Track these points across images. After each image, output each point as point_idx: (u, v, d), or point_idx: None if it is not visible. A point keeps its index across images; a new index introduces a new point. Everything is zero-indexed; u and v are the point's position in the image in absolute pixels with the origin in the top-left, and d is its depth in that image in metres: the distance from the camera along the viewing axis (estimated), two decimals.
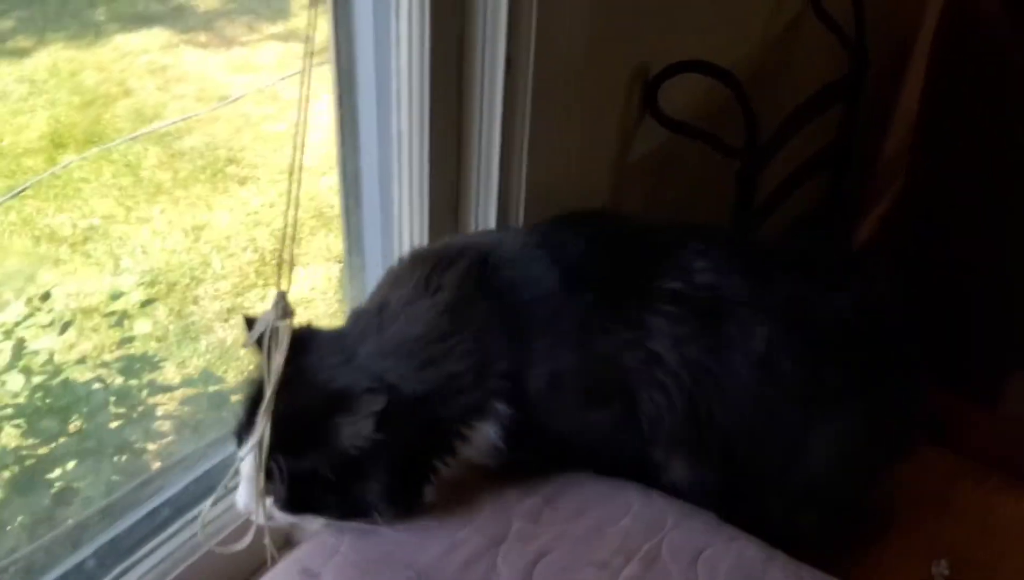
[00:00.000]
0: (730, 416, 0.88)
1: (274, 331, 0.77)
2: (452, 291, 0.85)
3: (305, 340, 0.86)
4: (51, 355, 1.74)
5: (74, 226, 2.37)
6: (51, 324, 1.75)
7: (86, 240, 2.34)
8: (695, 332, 0.86)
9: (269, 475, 0.81)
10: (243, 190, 2.59)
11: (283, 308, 0.78)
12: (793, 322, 0.89)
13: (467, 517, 0.84)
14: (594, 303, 0.85)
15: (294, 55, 3.02)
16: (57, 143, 2.57)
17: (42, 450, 1.65)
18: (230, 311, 2.23)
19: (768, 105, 1.10)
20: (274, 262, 2.41)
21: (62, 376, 1.72)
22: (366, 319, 0.87)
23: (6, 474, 1.62)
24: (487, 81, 0.82)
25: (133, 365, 1.82)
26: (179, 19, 2.93)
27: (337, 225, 2.67)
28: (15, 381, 1.64)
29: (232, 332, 2.20)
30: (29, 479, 1.62)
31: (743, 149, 1.05)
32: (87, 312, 2.04)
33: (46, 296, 1.77)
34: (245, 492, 0.84)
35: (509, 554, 0.79)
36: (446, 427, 0.83)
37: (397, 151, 0.87)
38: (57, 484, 1.62)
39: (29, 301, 1.75)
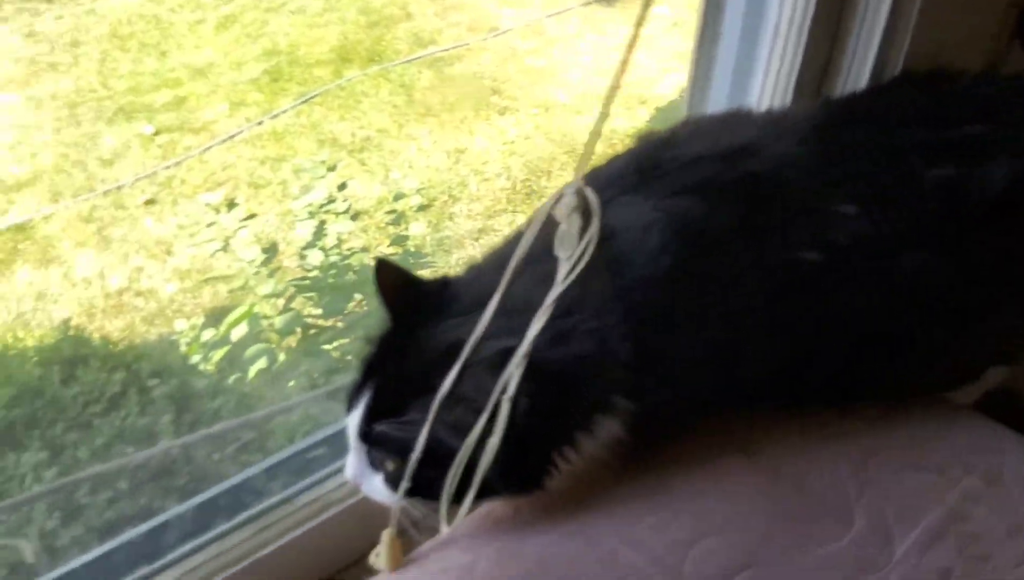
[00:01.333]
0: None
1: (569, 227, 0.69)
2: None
3: (410, 294, 0.76)
4: (339, 240, 1.90)
5: (353, 135, 2.55)
6: (345, 212, 1.90)
7: (362, 149, 2.53)
8: (836, 296, 0.76)
9: (376, 444, 0.72)
10: (502, 120, 2.69)
11: (583, 202, 0.68)
12: (947, 233, 0.77)
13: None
14: (711, 288, 0.74)
15: None
16: (344, 58, 2.77)
17: (325, 322, 1.82)
18: (480, 232, 2.33)
19: None
20: (524, 191, 2.50)
21: (349, 260, 1.87)
22: (486, 275, 0.75)
23: (293, 339, 1.79)
24: None
25: (407, 259, 1.95)
26: None
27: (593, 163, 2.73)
28: (315, 257, 1.80)
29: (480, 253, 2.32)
30: (312, 345, 1.78)
31: None
32: (359, 213, 2.20)
33: (343, 186, 1.93)
34: (353, 462, 0.75)
35: (841, 447, 0.80)
36: (569, 415, 0.71)
37: (775, 23, 0.85)
38: (334, 354, 1.78)
39: (329, 188, 1.90)
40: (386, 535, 0.71)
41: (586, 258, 0.67)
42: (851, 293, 0.76)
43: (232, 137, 2.48)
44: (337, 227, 1.86)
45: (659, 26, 2.94)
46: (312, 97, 2.63)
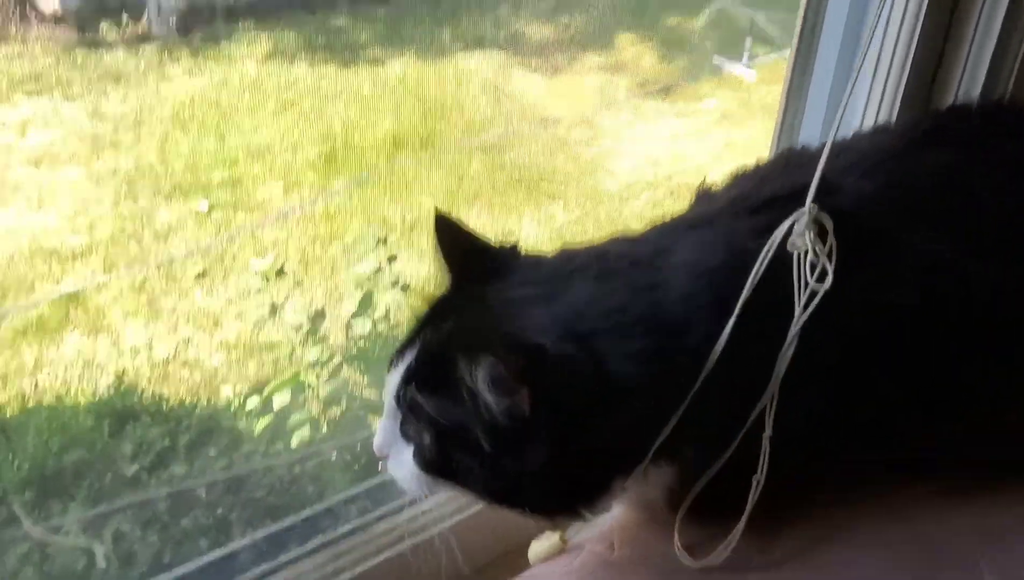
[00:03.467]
0: None
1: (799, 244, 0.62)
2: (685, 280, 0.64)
3: (474, 255, 0.69)
4: (388, 311, 1.88)
5: (403, 217, 2.58)
6: (394, 284, 1.89)
7: (412, 229, 2.54)
8: (934, 347, 0.68)
9: (411, 410, 0.64)
10: (551, 206, 2.70)
11: (817, 226, 0.62)
12: None
13: None
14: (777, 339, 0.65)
15: (615, 87, 3.14)
16: (397, 144, 2.82)
17: (371, 393, 1.78)
18: None
19: None
20: None
21: (397, 331, 1.85)
22: (583, 259, 0.67)
23: (338, 409, 1.75)
24: None
25: None
26: (513, 45, 3.14)
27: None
28: (362, 326, 1.78)
29: None
30: (356, 417, 1.74)
31: None
32: (408, 287, 2.19)
33: (392, 258, 1.92)
34: (383, 429, 0.67)
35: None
36: (635, 445, 0.61)
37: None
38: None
39: (379, 260, 1.90)
40: (558, 534, 0.66)
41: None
42: (950, 343, 0.69)
43: (285, 215, 2.51)
44: (386, 298, 1.84)
45: (708, 120, 2.98)
46: (365, 178, 2.67)
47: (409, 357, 0.65)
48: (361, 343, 1.80)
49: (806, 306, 0.61)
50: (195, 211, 2.46)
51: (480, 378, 0.58)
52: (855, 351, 0.65)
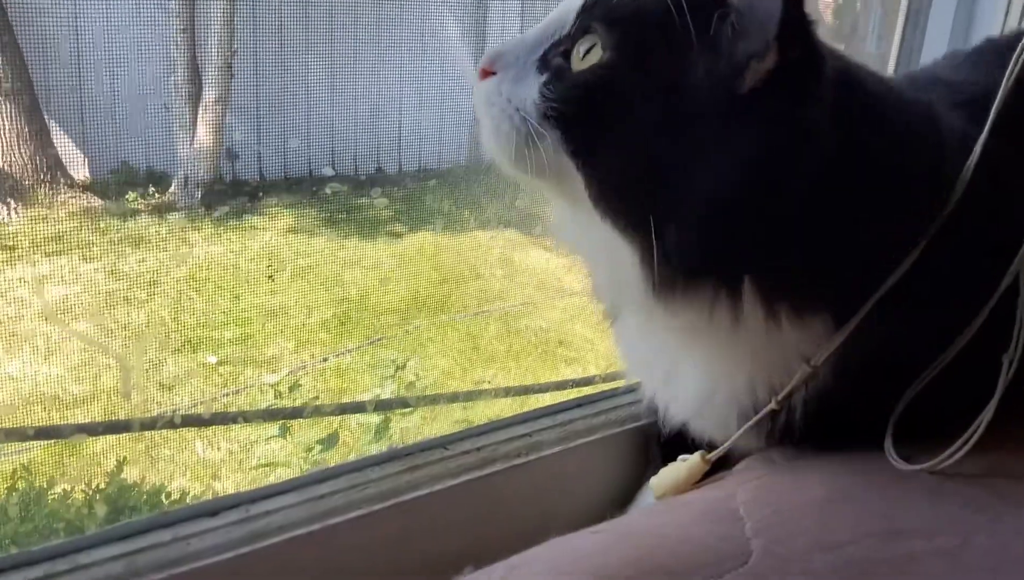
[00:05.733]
0: None
1: None
2: None
3: None
4: (405, 437, 1.77)
5: (416, 374, 2.50)
6: (412, 412, 1.80)
7: (427, 388, 2.46)
8: None
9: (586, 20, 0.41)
10: (568, 370, 2.64)
11: None
12: None
13: None
14: None
15: None
16: (413, 307, 2.80)
17: None
18: None
19: None
20: None
21: None
22: None
23: None
24: None
25: None
26: (529, 225, 3.20)
27: None
28: (378, 450, 1.66)
29: None
30: None
31: None
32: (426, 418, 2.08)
33: (411, 386, 1.84)
34: (514, 41, 0.45)
35: None
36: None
37: None
38: None
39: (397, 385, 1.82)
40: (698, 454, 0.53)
41: None
42: None
43: (295, 371, 2.43)
44: (402, 424, 1.74)
45: None
46: (378, 340, 2.62)
47: None
48: None
49: None
50: (203, 364, 2.39)
51: None
52: None
